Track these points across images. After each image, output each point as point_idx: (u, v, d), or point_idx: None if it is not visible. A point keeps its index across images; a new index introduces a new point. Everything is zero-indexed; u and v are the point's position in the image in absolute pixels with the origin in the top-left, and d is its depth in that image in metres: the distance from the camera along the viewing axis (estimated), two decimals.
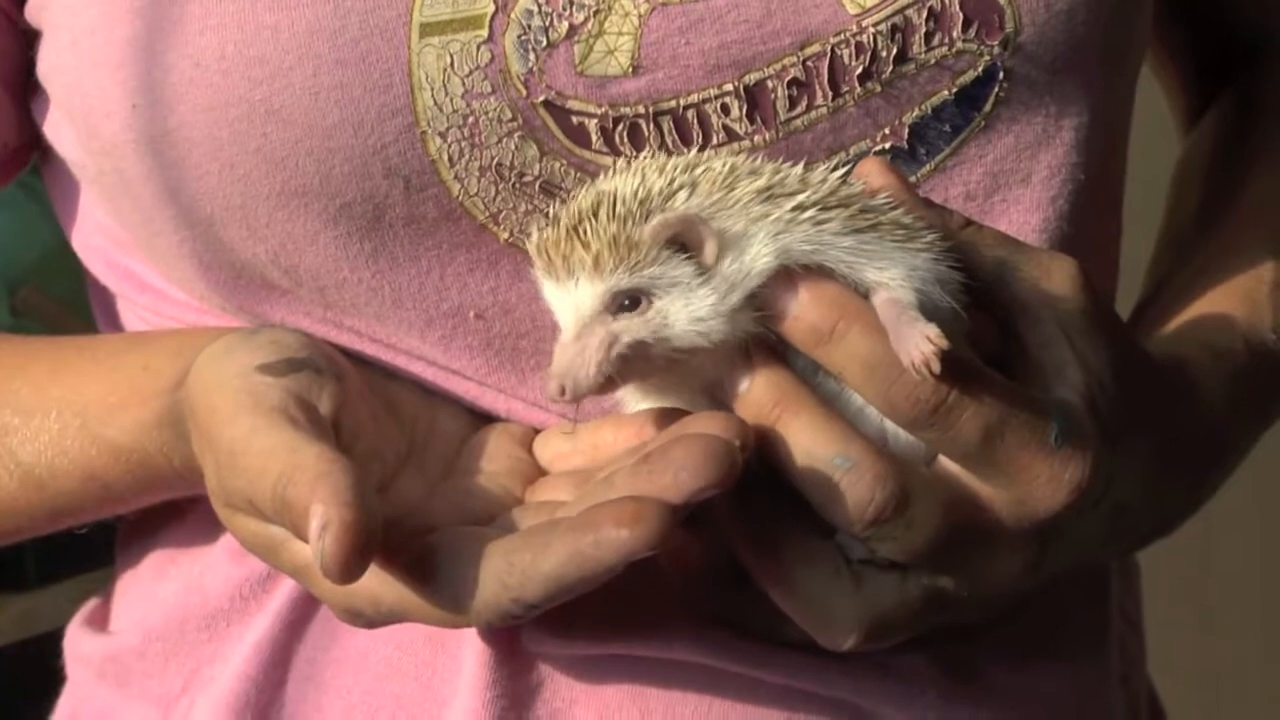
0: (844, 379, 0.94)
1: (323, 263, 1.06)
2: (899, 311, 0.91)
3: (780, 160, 0.99)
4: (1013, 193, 1.09)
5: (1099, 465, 0.95)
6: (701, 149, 1.03)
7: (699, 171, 0.94)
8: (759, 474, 0.93)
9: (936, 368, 0.88)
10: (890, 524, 0.93)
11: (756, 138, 1.06)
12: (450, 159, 1.04)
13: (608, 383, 0.93)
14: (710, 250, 0.93)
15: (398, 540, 0.91)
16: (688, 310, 0.93)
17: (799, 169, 0.96)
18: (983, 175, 1.09)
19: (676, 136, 1.04)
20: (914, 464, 0.95)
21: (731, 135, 1.05)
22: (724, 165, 0.95)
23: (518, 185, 1.05)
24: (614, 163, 1.00)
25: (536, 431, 1.07)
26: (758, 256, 0.93)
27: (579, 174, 1.05)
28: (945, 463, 0.96)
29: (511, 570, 0.88)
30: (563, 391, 0.93)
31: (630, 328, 0.93)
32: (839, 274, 0.94)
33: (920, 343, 0.89)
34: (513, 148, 1.04)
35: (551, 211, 0.97)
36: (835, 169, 0.98)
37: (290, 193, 1.04)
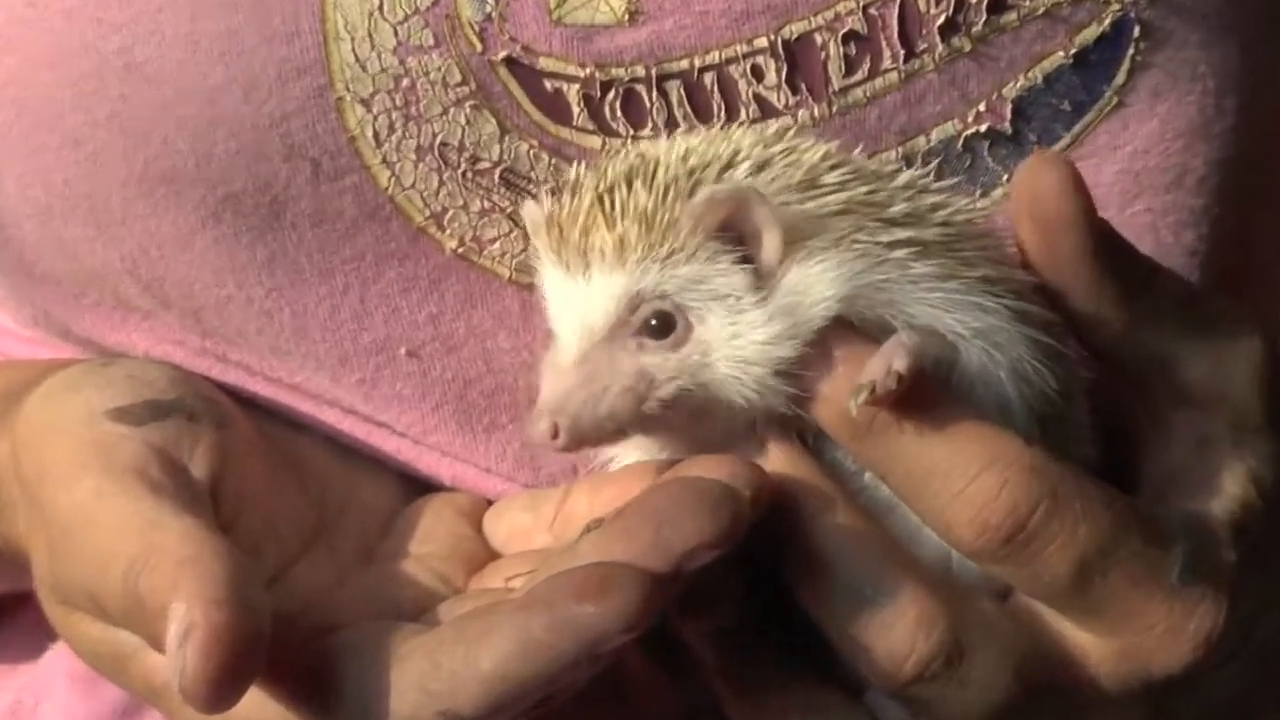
0: (888, 485, 0.90)
1: (199, 275, 1.02)
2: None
3: (865, 154, 0.95)
4: (1159, 200, 1.04)
5: (1237, 608, 0.90)
6: (725, 127, 0.97)
7: (776, 149, 0.91)
8: (755, 599, 0.89)
9: (860, 399, 0.86)
10: (938, 681, 0.88)
11: (800, 113, 1.00)
12: (376, 136, 0.99)
13: (616, 432, 0.90)
14: (772, 246, 0.88)
15: (290, 645, 0.87)
16: (732, 345, 0.89)
17: (905, 177, 0.92)
18: (1118, 174, 1.04)
19: (689, 109, 0.99)
20: (978, 597, 0.91)
21: (765, 109, 1.00)
22: (813, 151, 0.91)
23: (470, 175, 1.00)
24: (603, 144, 0.98)
25: (489, 504, 1.03)
26: (820, 295, 0.89)
27: (555, 160, 0.99)
28: (1022, 599, 0.91)
29: (438, 672, 0.83)
30: (554, 434, 0.88)
31: (668, 367, 0.89)
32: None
33: (874, 365, 0.86)
34: (463, 122, 0.99)
35: (573, 176, 0.92)
36: (972, 200, 0.95)
37: (155, 178, 1.00)
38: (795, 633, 0.90)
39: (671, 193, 0.88)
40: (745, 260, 0.89)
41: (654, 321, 0.89)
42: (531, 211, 0.92)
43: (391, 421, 1.05)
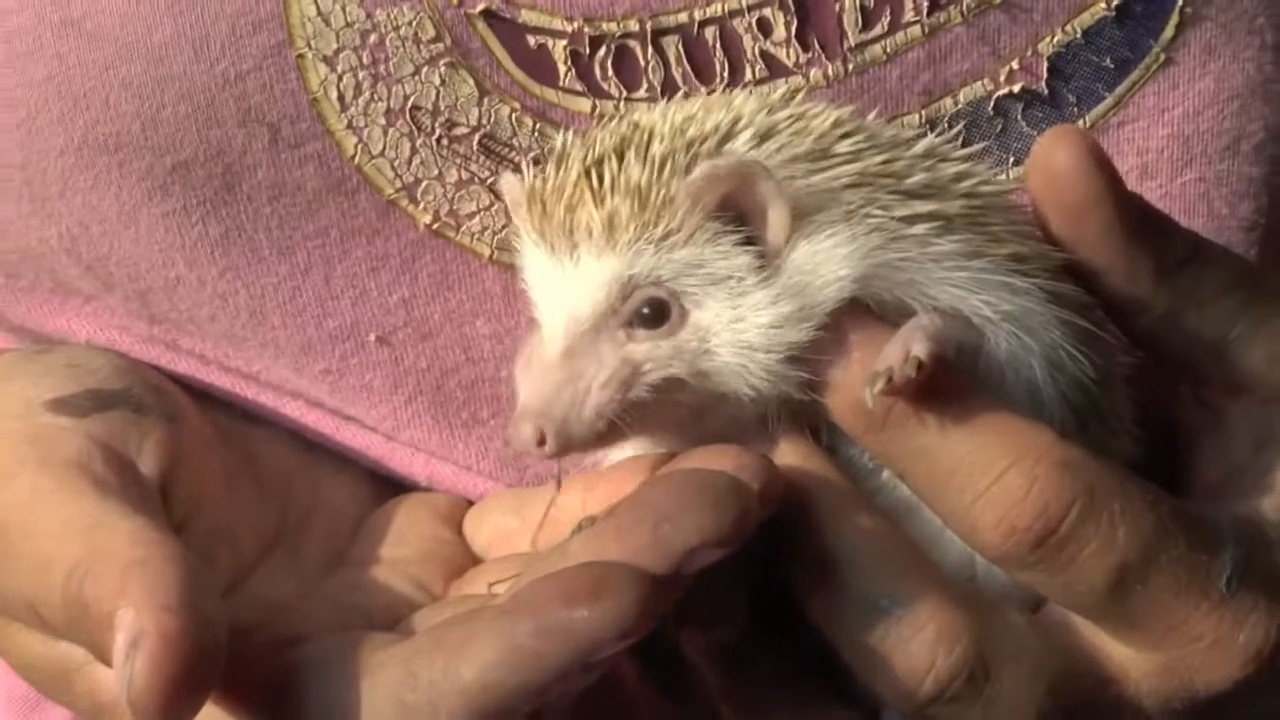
0: (906, 483, 0.88)
1: (145, 253, 1.00)
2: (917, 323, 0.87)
3: (884, 117, 0.95)
4: (1213, 169, 1.02)
5: None
6: (728, 88, 0.96)
7: (781, 116, 0.89)
8: (760, 608, 0.88)
9: (876, 388, 0.84)
10: (961, 702, 0.86)
11: (813, 72, 0.98)
12: (341, 98, 0.98)
13: (611, 432, 0.88)
14: (779, 225, 0.86)
15: (250, 658, 0.85)
16: (734, 329, 0.87)
17: (925, 145, 0.90)
18: (1167, 139, 1.02)
19: (688, 68, 0.97)
20: (1006, 608, 0.89)
21: (773, 67, 0.98)
22: (822, 117, 0.90)
23: (445, 141, 0.99)
24: (592, 107, 0.96)
25: (469, 505, 1.02)
26: (832, 274, 0.87)
27: (540, 125, 0.97)
28: (1055, 610, 0.90)
29: (414, 683, 0.82)
30: (541, 440, 0.86)
31: (657, 355, 0.87)
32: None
33: (892, 351, 0.85)
34: (437, 83, 0.98)
35: (558, 147, 0.91)
36: (1003, 168, 0.97)
37: (96, 145, 0.98)
38: (803, 646, 0.89)
39: (668, 167, 0.87)
40: (748, 240, 0.87)
41: (646, 310, 0.88)
42: (511, 185, 0.90)
43: (361, 415, 1.03)
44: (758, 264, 0.88)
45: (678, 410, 0.89)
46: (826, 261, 0.87)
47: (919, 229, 0.87)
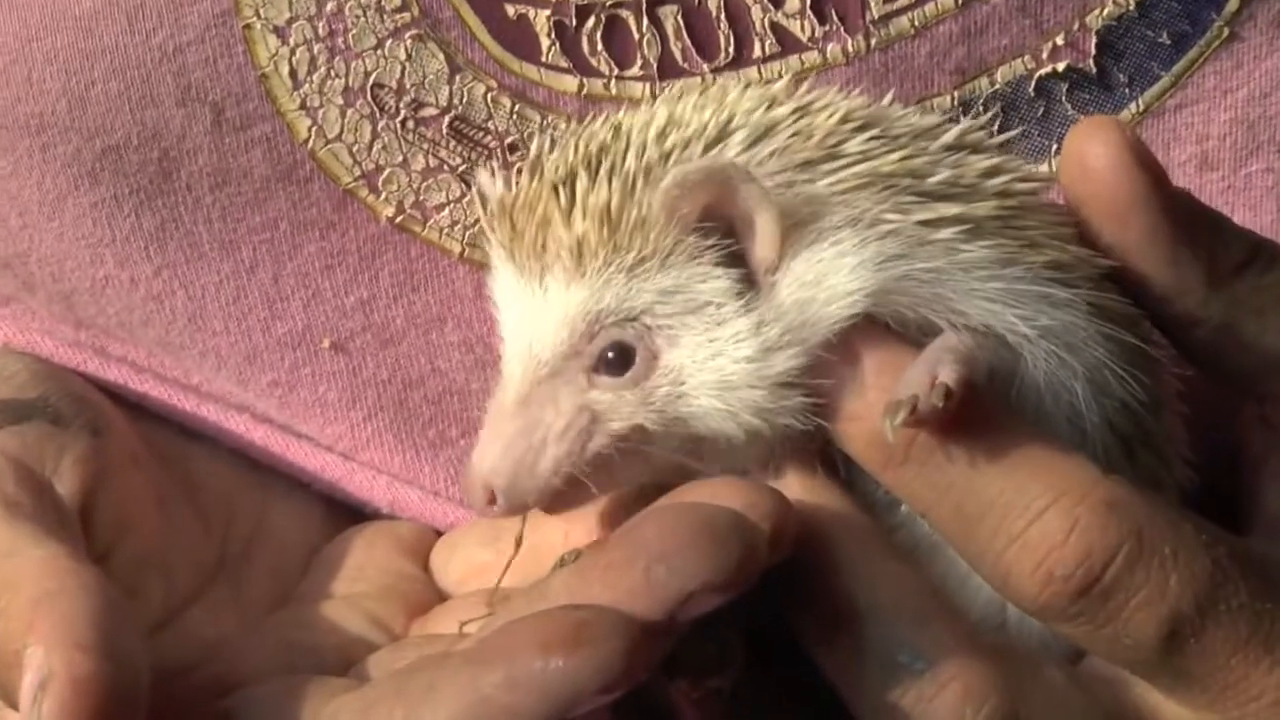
0: (930, 523, 0.85)
1: (70, 249, 0.98)
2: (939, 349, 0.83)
3: (911, 100, 0.93)
4: None
5: None
6: (730, 66, 0.94)
7: (784, 112, 0.86)
8: (759, 654, 0.86)
9: (898, 420, 0.81)
10: None
11: (830, 47, 0.95)
12: (294, 74, 0.95)
13: (571, 490, 0.85)
14: (767, 235, 0.83)
15: (182, 703, 0.83)
16: (710, 368, 0.84)
17: (952, 135, 0.86)
18: (1229, 124, 0.99)
19: (688, 42, 0.95)
20: (1042, 663, 0.86)
21: (786, 43, 0.95)
22: (830, 111, 0.86)
23: (411, 124, 0.96)
24: (579, 86, 0.93)
25: (438, 535, 1.00)
26: (840, 288, 0.83)
27: (519, 106, 0.95)
28: (1099, 664, 0.87)
29: None
30: (491, 500, 0.84)
31: (620, 406, 0.84)
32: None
33: (915, 376, 0.81)
34: (402, 58, 0.96)
35: (533, 153, 0.87)
36: (1046, 159, 0.94)
37: (17, 127, 0.96)
38: (808, 698, 0.86)
39: (640, 182, 0.83)
40: (738, 258, 0.84)
41: (610, 354, 0.85)
42: (487, 185, 0.87)
43: (314, 432, 1.00)
44: (738, 288, 0.84)
45: (651, 462, 0.86)
46: (831, 274, 0.83)
47: (944, 234, 0.83)
